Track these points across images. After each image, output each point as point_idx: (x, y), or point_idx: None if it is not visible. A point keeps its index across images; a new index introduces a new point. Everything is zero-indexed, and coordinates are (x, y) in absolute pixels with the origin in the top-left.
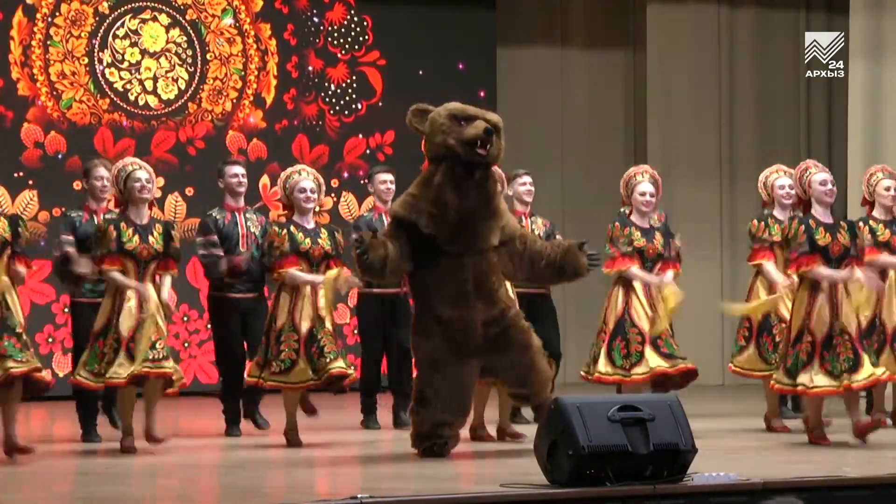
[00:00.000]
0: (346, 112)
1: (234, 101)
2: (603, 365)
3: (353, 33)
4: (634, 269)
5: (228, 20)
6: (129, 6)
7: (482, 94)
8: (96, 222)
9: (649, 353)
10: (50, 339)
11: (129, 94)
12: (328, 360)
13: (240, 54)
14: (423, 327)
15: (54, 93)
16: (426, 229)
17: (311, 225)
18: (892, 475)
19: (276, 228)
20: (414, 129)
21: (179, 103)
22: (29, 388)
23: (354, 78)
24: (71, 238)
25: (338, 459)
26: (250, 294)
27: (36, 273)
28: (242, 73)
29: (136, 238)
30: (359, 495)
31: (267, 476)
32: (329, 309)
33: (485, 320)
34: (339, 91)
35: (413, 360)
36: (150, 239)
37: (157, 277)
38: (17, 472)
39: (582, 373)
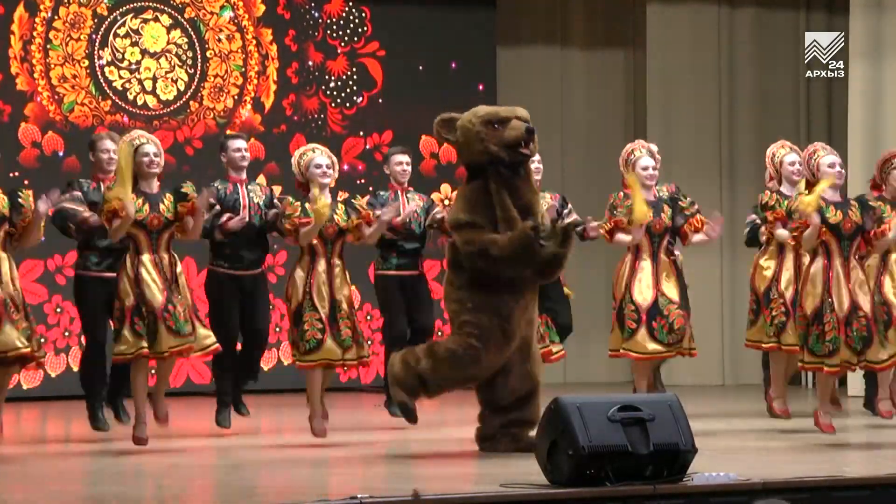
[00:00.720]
0: (348, 104)
1: (236, 97)
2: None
3: (351, 25)
4: (619, 234)
5: (228, 13)
6: (131, 6)
7: (481, 87)
8: (103, 191)
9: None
10: (42, 340)
11: (128, 93)
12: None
13: (239, 50)
14: (480, 306)
15: (56, 97)
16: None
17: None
18: (892, 475)
19: (291, 199)
20: (444, 140)
21: (178, 104)
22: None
23: (355, 70)
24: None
25: (338, 459)
26: (250, 271)
27: (27, 273)
28: (243, 69)
29: (147, 207)
30: (359, 495)
31: (266, 476)
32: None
33: (528, 318)
34: (339, 84)
35: (457, 320)
36: (161, 207)
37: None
38: (16, 472)
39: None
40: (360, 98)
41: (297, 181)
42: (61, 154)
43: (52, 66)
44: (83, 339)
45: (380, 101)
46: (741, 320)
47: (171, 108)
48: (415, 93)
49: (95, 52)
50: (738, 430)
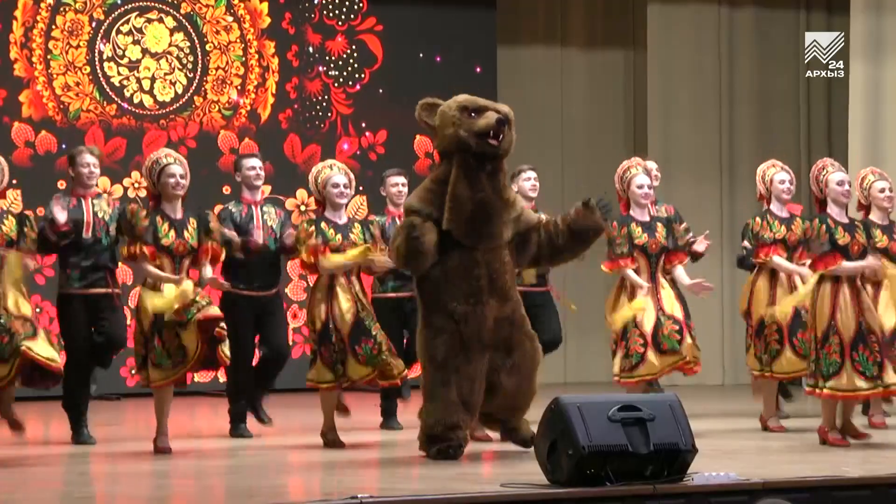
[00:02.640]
0: (351, 82)
1: (239, 88)
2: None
3: (347, 3)
4: (629, 271)
5: None
6: (134, 4)
7: (478, 69)
8: (84, 207)
9: (651, 355)
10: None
11: (126, 90)
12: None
13: (238, 40)
14: (433, 324)
15: (61, 106)
16: (446, 225)
17: (343, 220)
18: (892, 475)
19: (306, 224)
20: (423, 124)
21: (175, 105)
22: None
23: (354, 48)
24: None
25: (338, 459)
26: (264, 292)
27: None
28: (243, 58)
29: (173, 233)
30: (359, 495)
31: (267, 476)
32: (354, 259)
33: (497, 317)
34: (340, 63)
35: (421, 360)
36: (186, 234)
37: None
38: (17, 473)
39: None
40: (363, 75)
41: (314, 199)
42: (65, 147)
43: (55, 76)
44: (64, 357)
45: (380, 90)
46: (741, 321)
47: (168, 108)
48: (413, 92)
49: (97, 47)
50: (739, 430)
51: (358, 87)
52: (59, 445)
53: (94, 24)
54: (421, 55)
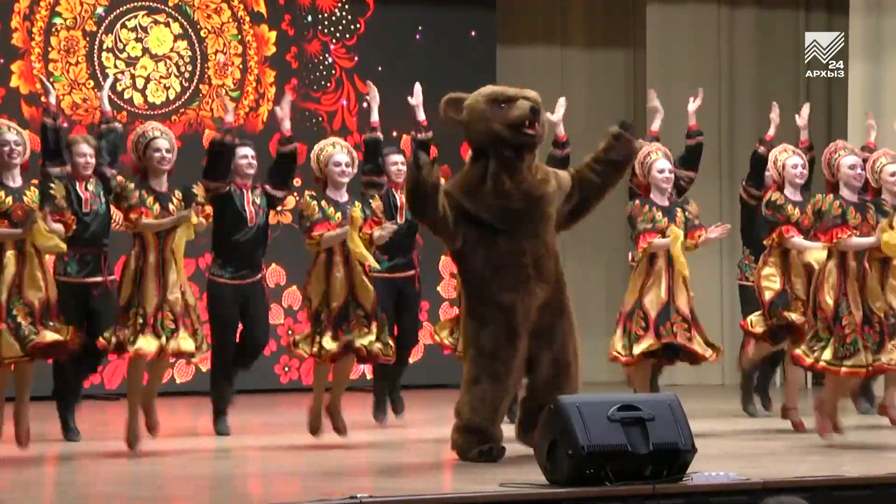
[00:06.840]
0: (348, 35)
1: (241, 67)
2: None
3: None
4: (658, 240)
5: None
6: (130, 5)
7: (473, 33)
8: (78, 187)
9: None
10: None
11: (118, 84)
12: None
13: (230, 20)
14: (479, 313)
15: (71, 125)
16: (490, 221)
17: (343, 199)
18: (892, 475)
19: (308, 199)
20: (450, 122)
21: (164, 110)
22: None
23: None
24: None
25: (337, 459)
26: (248, 279)
27: None
28: (239, 36)
29: (157, 206)
30: (359, 495)
31: (265, 475)
32: (362, 253)
33: (541, 305)
34: (333, 18)
35: (466, 352)
36: (171, 207)
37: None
38: (15, 473)
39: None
40: (358, 25)
41: (314, 176)
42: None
43: (61, 96)
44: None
45: (379, 68)
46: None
47: (157, 111)
48: (411, 90)
49: (97, 39)
50: (738, 430)
51: (355, 39)
52: (51, 443)
53: (87, 38)
54: (419, 67)
